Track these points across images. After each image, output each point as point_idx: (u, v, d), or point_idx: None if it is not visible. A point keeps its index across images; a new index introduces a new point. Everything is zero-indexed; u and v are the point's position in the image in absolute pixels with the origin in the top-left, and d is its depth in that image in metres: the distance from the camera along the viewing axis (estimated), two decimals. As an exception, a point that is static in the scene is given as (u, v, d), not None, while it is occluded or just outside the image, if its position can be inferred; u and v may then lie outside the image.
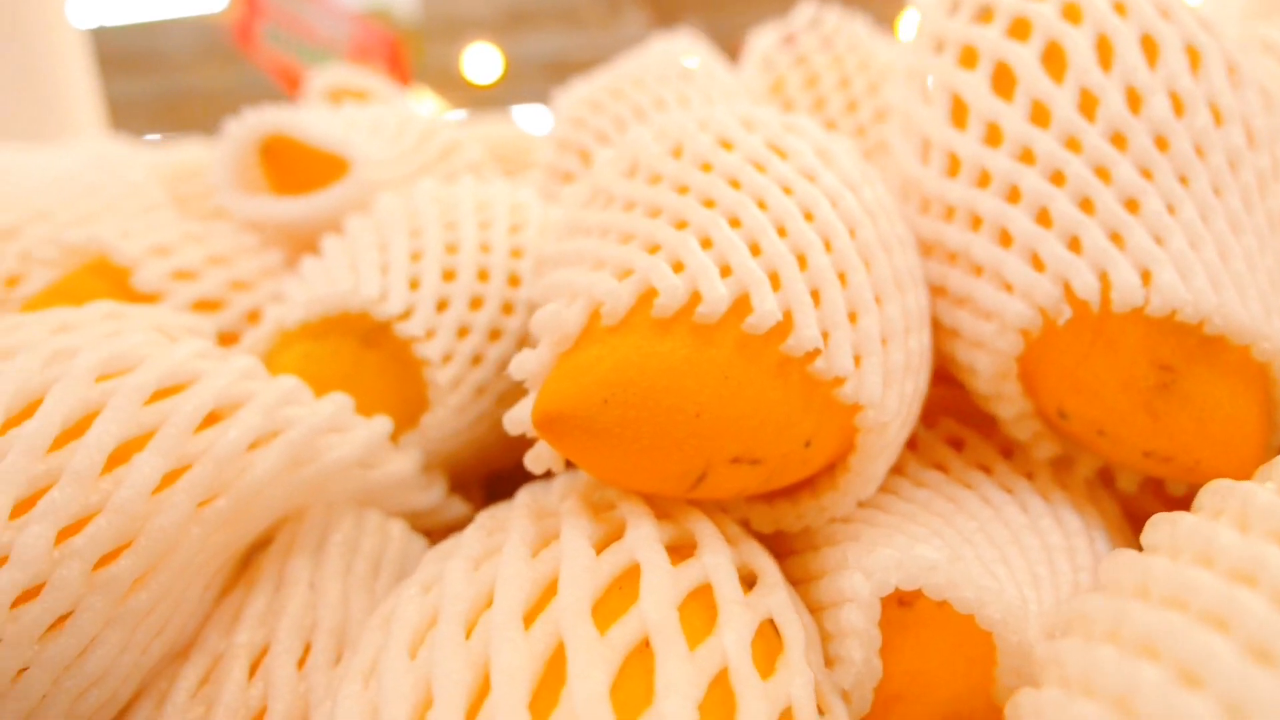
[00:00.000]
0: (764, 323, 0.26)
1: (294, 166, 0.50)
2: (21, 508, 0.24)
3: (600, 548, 0.25)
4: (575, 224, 0.34)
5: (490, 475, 0.45)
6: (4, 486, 0.24)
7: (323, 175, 0.50)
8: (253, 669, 0.27)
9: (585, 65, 0.63)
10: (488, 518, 0.28)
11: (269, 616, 0.29)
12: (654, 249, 0.28)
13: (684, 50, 0.63)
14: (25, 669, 0.23)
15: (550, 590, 0.23)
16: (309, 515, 0.31)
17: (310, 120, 0.48)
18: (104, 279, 0.40)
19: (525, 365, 0.28)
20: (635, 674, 0.21)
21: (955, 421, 0.35)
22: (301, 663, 0.28)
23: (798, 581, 0.29)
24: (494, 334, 0.37)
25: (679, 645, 0.21)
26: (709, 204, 0.29)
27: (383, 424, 0.32)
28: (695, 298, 0.26)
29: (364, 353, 0.35)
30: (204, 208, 0.60)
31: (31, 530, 0.23)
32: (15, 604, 0.23)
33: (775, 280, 0.26)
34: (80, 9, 1.62)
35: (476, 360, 0.36)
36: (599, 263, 0.29)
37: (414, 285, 0.35)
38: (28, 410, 0.26)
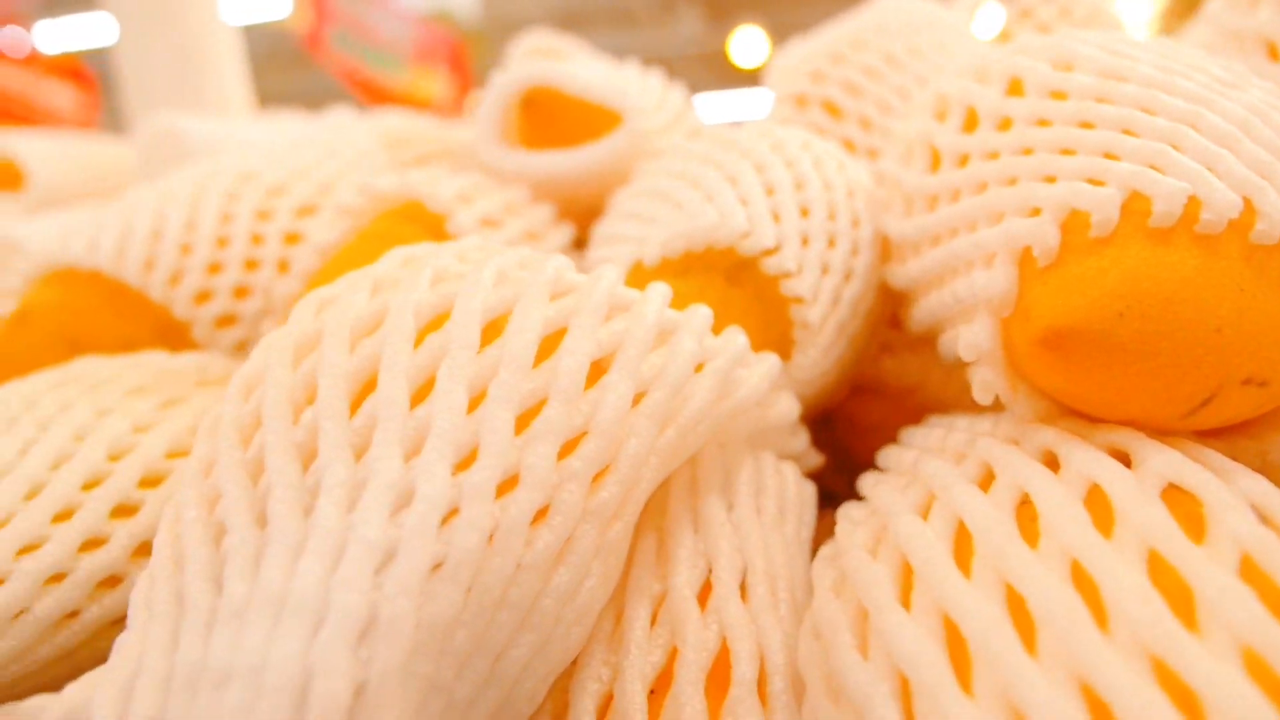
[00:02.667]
0: (1275, 230, 0.24)
1: (550, 121, 0.49)
2: (520, 424, 0.22)
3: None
4: (959, 149, 0.32)
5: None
6: (504, 402, 0.22)
7: (580, 129, 0.48)
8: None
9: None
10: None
11: (697, 558, 0.27)
12: (1114, 157, 0.26)
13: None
14: (538, 599, 0.22)
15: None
16: (705, 456, 0.30)
17: (579, 72, 0.47)
18: (416, 225, 0.39)
19: (989, 285, 0.26)
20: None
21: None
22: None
23: None
24: (848, 274, 0.35)
25: None
26: (1149, 113, 0.27)
27: (775, 361, 0.30)
28: (1194, 205, 0.24)
29: (730, 290, 0.33)
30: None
31: (537, 449, 0.22)
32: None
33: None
34: (233, 8, 1.65)
35: (836, 300, 0.34)
36: (1046, 176, 0.27)
37: (776, 219, 0.33)
38: (495, 326, 0.24)
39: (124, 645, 0.21)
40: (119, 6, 1.39)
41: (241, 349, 0.43)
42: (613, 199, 0.42)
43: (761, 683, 0.24)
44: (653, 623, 0.25)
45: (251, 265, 0.43)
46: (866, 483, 0.30)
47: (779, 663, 0.25)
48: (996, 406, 0.28)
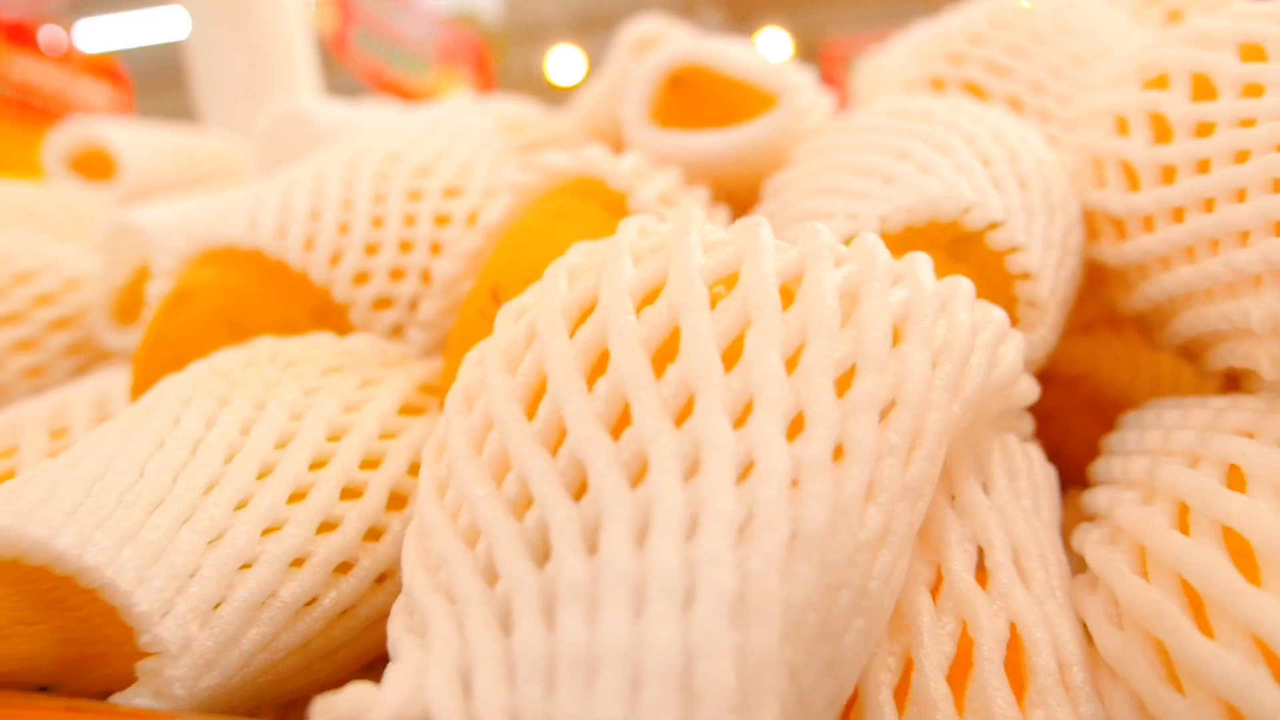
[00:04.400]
0: None
1: (697, 102, 0.47)
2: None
3: None
4: (1198, 118, 0.30)
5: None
6: (822, 369, 0.21)
7: (725, 112, 0.47)
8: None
9: None
10: None
11: (966, 542, 0.25)
12: None
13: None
14: (867, 581, 0.20)
15: None
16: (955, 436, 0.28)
17: (731, 51, 0.45)
18: (593, 201, 0.37)
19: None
20: None
21: None
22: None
23: None
24: (1065, 250, 0.33)
25: None
26: None
27: (1022, 338, 0.28)
28: None
29: (952, 265, 0.31)
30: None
31: (860, 421, 0.20)
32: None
33: None
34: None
35: (1059, 276, 0.32)
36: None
37: (998, 189, 0.32)
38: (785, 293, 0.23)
39: (436, 632, 0.19)
40: (192, 1, 1.38)
41: (397, 333, 0.41)
42: (784, 177, 0.41)
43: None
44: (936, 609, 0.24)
45: (406, 247, 0.42)
46: (1100, 500, 0.29)
47: (1075, 652, 0.23)
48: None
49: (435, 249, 0.43)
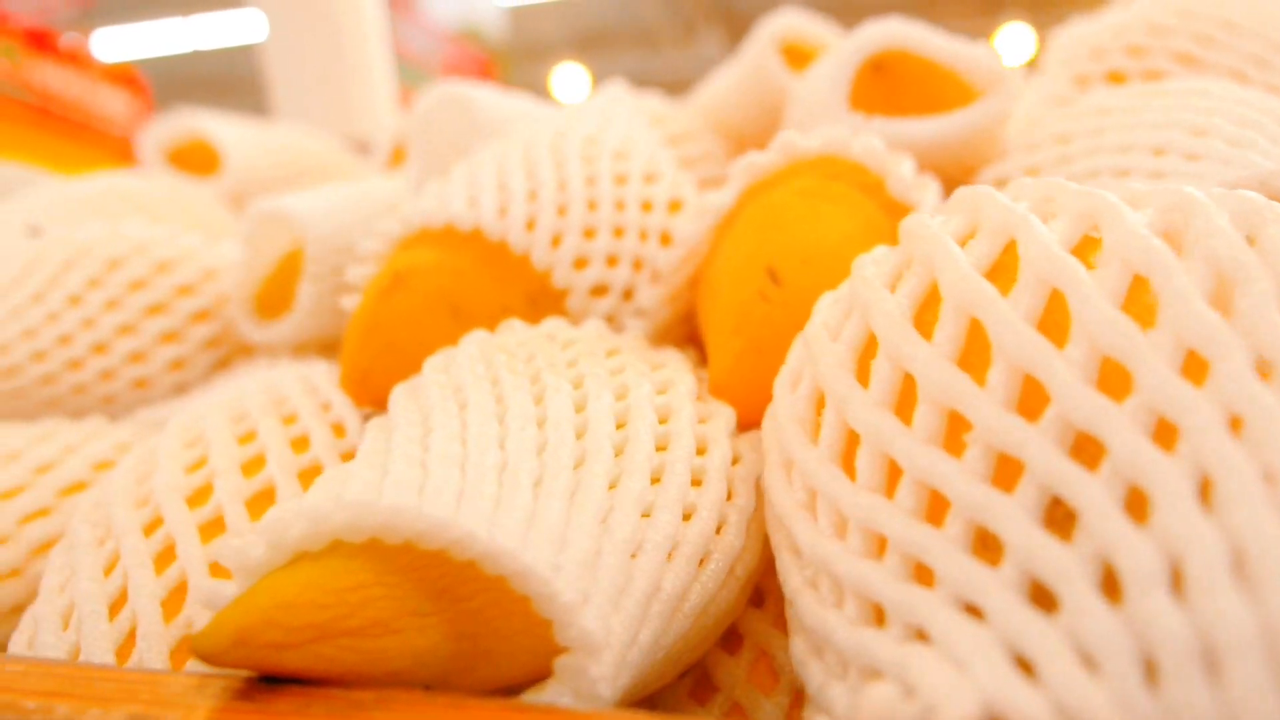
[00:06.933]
0: None
1: (895, 89, 0.46)
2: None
3: None
4: None
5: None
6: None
7: (923, 100, 0.45)
8: None
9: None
10: None
11: None
12: None
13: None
14: None
15: None
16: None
17: (937, 37, 0.44)
18: (844, 182, 0.35)
19: None
20: None
21: None
22: None
23: None
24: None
25: None
26: None
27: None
28: None
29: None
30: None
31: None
32: None
33: None
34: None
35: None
36: None
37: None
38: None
39: (951, 624, 0.17)
40: (269, 4, 1.36)
41: (611, 322, 0.39)
42: (1022, 161, 0.39)
43: None
44: None
45: (619, 232, 0.40)
46: None
47: None
48: None
49: (643, 235, 0.41)
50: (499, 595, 0.20)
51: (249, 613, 0.19)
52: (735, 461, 0.27)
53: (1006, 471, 0.19)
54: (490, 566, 0.19)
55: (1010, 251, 0.22)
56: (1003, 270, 0.22)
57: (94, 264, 0.47)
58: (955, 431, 0.20)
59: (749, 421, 0.30)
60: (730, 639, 0.27)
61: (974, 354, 0.21)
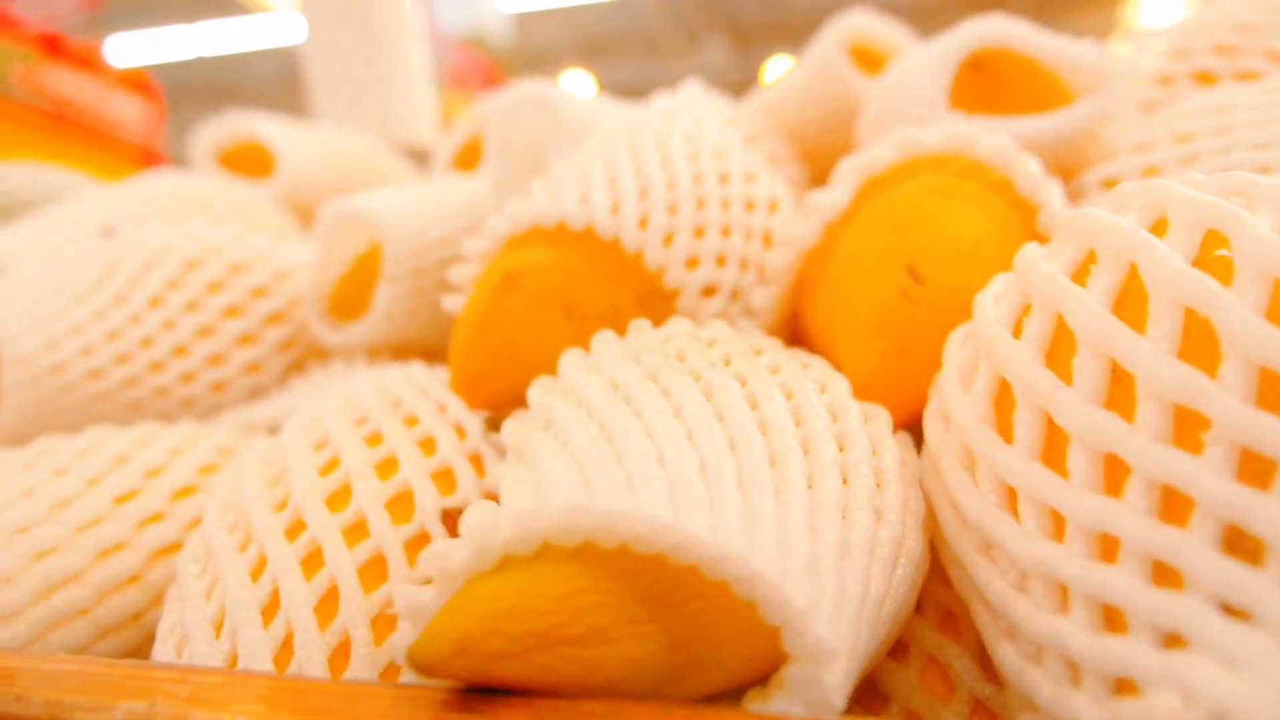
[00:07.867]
0: None
1: (992, 87, 0.45)
2: None
3: None
4: None
5: None
6: None
7: (1018, 100, 0.45)
8: None
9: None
10: None
11: None
12: None
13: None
14: None
15: None
16: None
17: (1040, 33, 0.43)
18: (974, 181, 0.35)
19: None
20: None
21: None
22: None
23: None
24: None
25: None
26: None
27: None
28: None
29: None
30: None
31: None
32: None
33: None
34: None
35: None
36: None
37: None
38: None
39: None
40: (309, 6, 1.35)
41: (721, 322, 0.38)
42: (1139, 161, 0.38)
43: None
44: None
45: (726, 231, 0.39)
46: None
47: None
48: None
49: (748, 235, 0.40)
50: (716, 601, 0.19)
51: (467, 620, 0.18)
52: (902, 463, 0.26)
53: (1255, 469, 0.18)
54: (714, 571, 0.18)
55: (1211, 250, 0.22)
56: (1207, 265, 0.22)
57: (172, 265, 0.46)
58: (1189, 429, 0.19)
59: (895, 422, 0.29)
60: (894, 646, 0.26)
61: (1195, 348, 0.20)
